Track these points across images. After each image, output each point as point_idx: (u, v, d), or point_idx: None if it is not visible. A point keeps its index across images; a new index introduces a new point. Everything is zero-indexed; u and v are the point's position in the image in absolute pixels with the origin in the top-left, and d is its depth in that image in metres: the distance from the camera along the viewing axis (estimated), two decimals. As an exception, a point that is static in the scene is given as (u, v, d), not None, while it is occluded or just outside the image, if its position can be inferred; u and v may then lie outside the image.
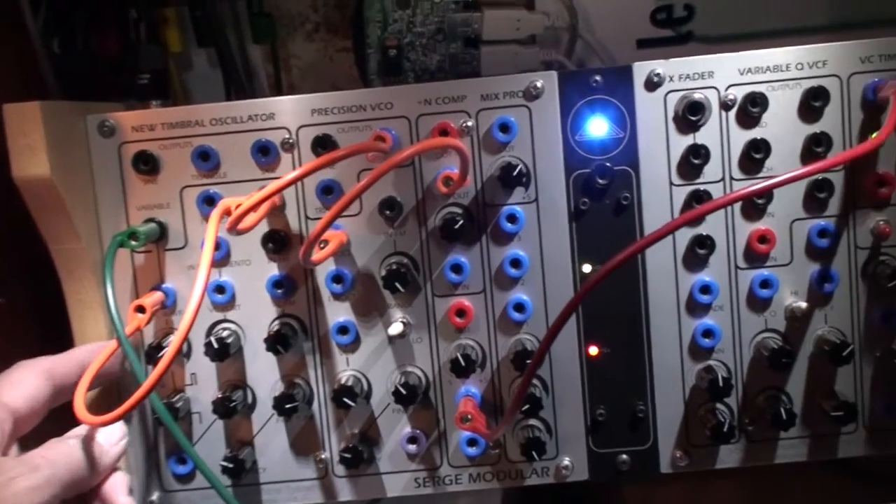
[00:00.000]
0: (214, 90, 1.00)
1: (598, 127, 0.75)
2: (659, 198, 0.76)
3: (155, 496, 0.80)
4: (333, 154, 0.67)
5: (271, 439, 0.79)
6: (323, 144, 0.75)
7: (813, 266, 0.76)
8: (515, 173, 0.73)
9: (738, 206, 0.76)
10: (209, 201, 0.76)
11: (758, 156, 0.74)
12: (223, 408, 0.75)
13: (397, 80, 0.95)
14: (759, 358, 0.76)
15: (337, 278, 0.76)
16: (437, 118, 0.75)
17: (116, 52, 0.95)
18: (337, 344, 0.78)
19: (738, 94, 0.74)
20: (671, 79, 0.75)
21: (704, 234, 0.75)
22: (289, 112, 0.76)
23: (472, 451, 0.78)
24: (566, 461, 0.79)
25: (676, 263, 0.77)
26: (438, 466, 0.80)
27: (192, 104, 0.79)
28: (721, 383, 0.74)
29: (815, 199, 0.75)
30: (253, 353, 0.78)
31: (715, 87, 0.74)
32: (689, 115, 0.74)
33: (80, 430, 0.67)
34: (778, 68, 0.74)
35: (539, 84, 0.75)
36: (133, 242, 0.73)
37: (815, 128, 0.74)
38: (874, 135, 0.71)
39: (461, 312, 0.77)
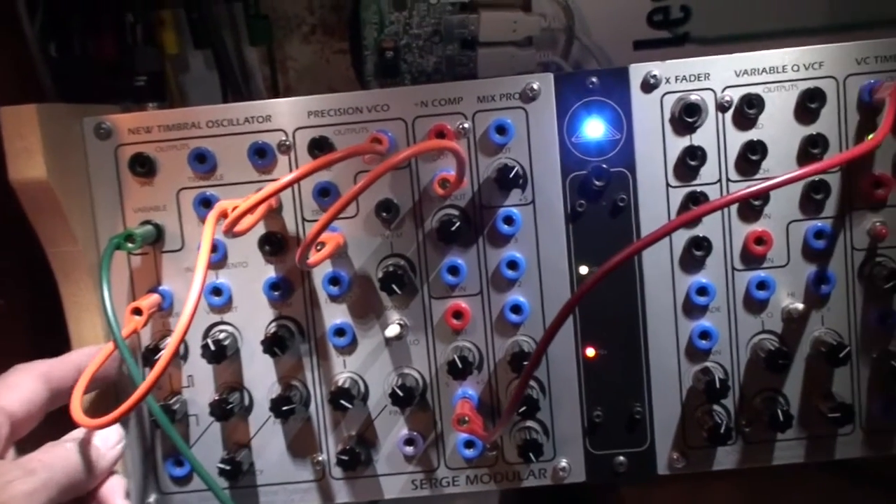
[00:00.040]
0: (211, 92, 1.00)
1: (594, 129, 0.75)
2: (655, 199, 0.76)
3: (152, 498, 0.80)
4: (330, 156, 0.67)
5: (268, 441, 0.79)
6: (319, 146, 0.75)
7: (809, 267, 0.76)
8: (512, 175, 0.73)
9: (734, 207, 0.76)
10: (206, 203, 0.76)
11: (754, 157, 0.74)
12: (220, 410, 0.75)
13: (394, 81, 0.95)
14: (756, 359, 0.76)
15: (334, 280, 0.76)
16: (433, 120, 0.75)
17: (113, 55, 0.95)
18: (334, 346, 0.78)
19: (735, 95, 0.74)
20: (667, 80, 0.75)
21: (701, 235, 0.75)
22: (285, 114, 0.76)
23: (469, 452, 0.78)
24: (563, 463, 0.79)
25: (673, 265, 0.77)
26: (436, 468, 0.80)
27: (188, 106, 0.79)
28: (718, 385, 0.74)
29: (811, 200, 0.75)
30: (250, 355, 0.78)
31: (711, 89, 0.74)
32: (686, 117, 0.74)
33: (77, 434, 0.67)
34: (774, 70, 0.74)
35: (535, 86, 0.75)
36: (130, 245, 0.73)
37: (812, 129, 0.74)
38: (870, 136, 0.71)
39: (458, 314, 0.77)
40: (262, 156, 0.76)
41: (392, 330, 0.76)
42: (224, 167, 0.76)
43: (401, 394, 0.75)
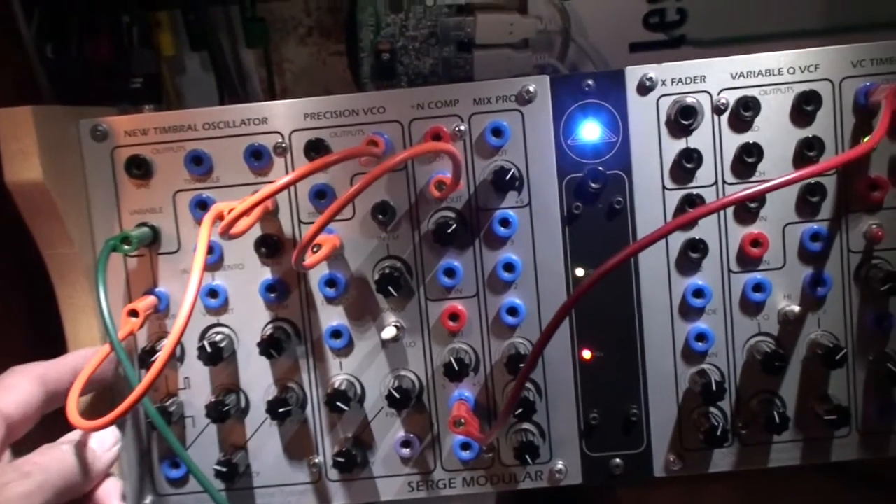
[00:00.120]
0: (207, 94, 1.00)
1: (590, 131, 0.76)
2: (651, 202, 0.76)
3: (148, 500, 0.80)
4: (326, 158, 0.67)
5: (265, 443, 0.79)
6: (316, 149, 0.75)
7: (806, 270, 0.76)
8: (508, 177, 0.73)
9: (730, 209, 0.76)
10: (202, 205, 0.76)
11: (750, 160, 0.74)
12: (216, 412, 0.75)
13: (390, 84, 0.95)
14: (753, 362, 0.76)
15: (330, 282, 0.76)
16: (429, 122, 0.75)
17: (109, 57, 0.95)
18: (330, 348, 0.78)
19: (731, 98, 0.74)
20: (663, 83, 0.75)
21: (697, 237, 0.75)
22: (282, 116, 0.76)
23: (465, 454, 0.78)
24: (560, 465, 0.79)
25: (669, 267, 0.77)
26: (432, 470, 0.80)
27: (185, 108, 0.79)
28: (714, 387, 0.74)
29: (807, 202, 0.75)
30: (246, 357, 0.78)
31: (707, 92, 0.75)
32: (682, 119, 0.74)
33: (73, 436, 0.66)
34: (770, 72, 0.74)
35: (532, 88, 0.75)
36: (126, 247, 0.73)
37: (808, 132, 0.74)
38: (866, 139, 0.72)
39: (454, 316, 0.77)
40: (258, 158, 0.76)
41: (388, 332, 0.76)
42: (220, 169, 0.76)
43: (397, 396, 0.75)
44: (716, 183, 0.75)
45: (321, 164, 0.67)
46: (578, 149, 0.76)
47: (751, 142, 0.74)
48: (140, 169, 0.76)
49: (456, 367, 0.74)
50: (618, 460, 0.79)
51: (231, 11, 1.00)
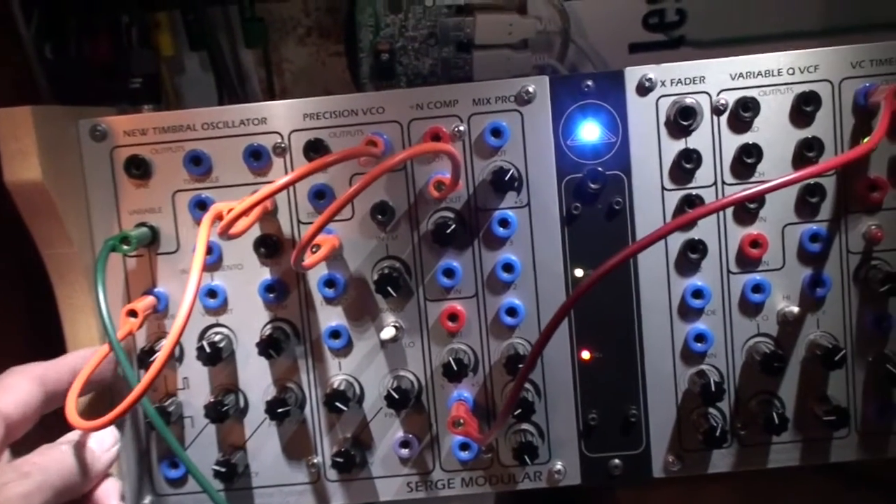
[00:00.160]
0: (207, 94, 1.00)
1: (590, 132, 0.76)
2: (651, 202, 0.76)
3: (147, 500, 0.80)
4: (325, 158, 0.67)
5: (263, 443, 0.79)
6: (315, 149, 0.75)
7: (805, 271, 0.76)
8: (507, 178, 0.73)
9: (730, 210, 0.76)
10: (201, 206, 0.76)
11: (750, 160, 0.74)
12: (215, 412, 0.75)
13: (390, 84, 0.95)
14: (752, 362, 0.76)
15: (329, 283, 0.76)
16: (429, 123, 0.75)
17: (109, 57, 0.95)
18: (329, 348, 0.78)
19: (730, 98, 0.74)
20: (663, 83, 0.75)
21: (696, 238, 0.75)
22: (281, 116, 0.76)
23: (464, 455, 0.78)
24: (559, 465, 0.79)
25: (668, 268, 0.77)
26: (431, 471, 0.80)
27: (184, 108, 0.79)
28: (713, 388, 0.74)
29: (806, 203, 0.75)
30: (245, 357, 0.78)
31: (707, 92, 0.75)
32: (681, 120, 0.74)
33: (73, 436, 0.66)
34: (769, 73, 0.74)
35: (531, 89, 0.75)
36: (125, 247, 0.73)
37: (807, 132, 0.74)
38: (866, 139, 0.72)
39: (453, 317, 0.77)
40: (257, 158, 0.75)
41: (387, 332, 0.76)
42: (219, 169, 0.76)
43: (396, 396, 0.75)
44: (715, 184, 0.75)
45: (320, 164, 0.67)
46: (578, 149, 0.76)
47: (750, 142, 0.74)
48: (139, 169, 0.76)
49: (455, 368, 0.74)
50: (617, 461, 0.79)
51: (230, 12, 1.00)
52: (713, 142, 0.75)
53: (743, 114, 0.74)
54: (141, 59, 0.95)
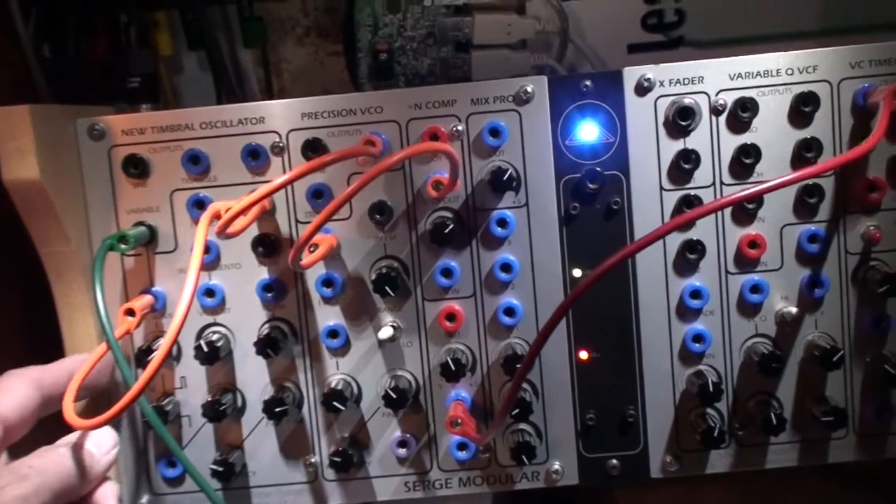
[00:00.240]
0: (205, 94, 1.00)
1: (588, 132, 0.75)
2: (649, 203, 0.76)
3: (144, 499, 0.80)
4: (323, 158, 0.67)
5: (261, 443, 0.79)
6: (313, 148, 0.75)
7: (803, 271, 0.76)
8: (506, 178, 0.73)
9: (728, 210, 0.76)
10: (199, 205, 0.76)
11: (748, 161, 0.74)
12: (213, 411, 0.75)
13: (388, 84, 0.95)
14: (750, 363, 0.76)
15: (327, 282, 0.76)
16: (427, 122, 0.75)
17: (107, 56, 0.95)
18: (327, 348, 0.78)
19: (729, 99, 0.74)
20: (661, 84, 0.75)
21: (695, 238, 0.75)
22: (279, 116, 0.76)
23: (462, 455, 0.78)
24: (556, 465, 0.79)
25: (667, 268, 0.77)
26: (428, 470, 0.80)
27: (182, 108, 0.79)
28: (711, 388, 0.74)
29: (805, 204, 0.75)
30: (243, 356, 0.78)
31: (705, 92, 0.75)
32: (680, 120, 0.74)
33: (71, 438, 0.66)
34: (768, 73, 0.74)
35: (529, 89, 0.75)
36: (123, 246, 0.73)
37: (806, 133, 0.74)
38: (864, 140, 0.72)
39: (451, 316, 0.77)
40: (255, 157, 0.75)
41: (385, 332, 0.76)
42: (217, 168, 0.76)
43: (394, 396, 0.75)
44: (713, 184, 0.75)
45: (318, 163, 0.67)
46: (576, 149, 0.76)
47: (749, 143, 0.74)
48: (137, 168, 0.76)
49: (453, 368, 0.74)
50: (614, 461, 0.79)
51: (228, 11, 1.00)
52: (712, 142, 0.75)
53: (741, 114, 0.74)
54: (139, 59, 0.95)
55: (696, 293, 0.76)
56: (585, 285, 0.62)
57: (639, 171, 0.76)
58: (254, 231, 0.76)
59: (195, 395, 0.78)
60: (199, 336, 0.78)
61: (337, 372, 0.78)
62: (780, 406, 0.77)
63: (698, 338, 0.76)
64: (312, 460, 0.79)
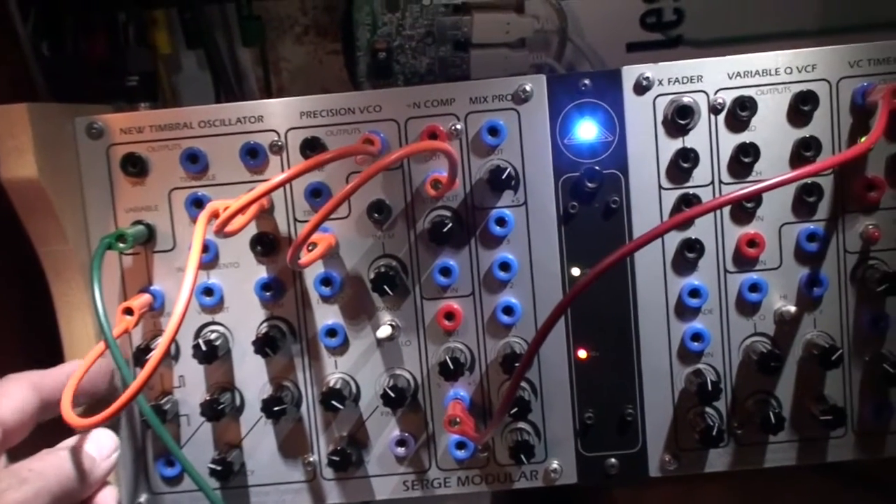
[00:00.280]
0: (203, 92, 1.00)
1: (587, 130, 0.75)
2: (648, 201, 0.76)
3: (143, 498, 0.80)
4: (322, 156, 0.67)
5: (259, 442, 0.79)
6: (312, 147, 0.75)
7: (802, 270, 0.76)
8: (504, 177, 0.73)
9: (727, 209, 0.76)
10: (197, 203, 0.76)
11: (747, 160, 0.74)
12: (211, 410, 0.75)
13: (387, 82, 0.95)
14: (749, 362, 0.76)
15: (325, 281, 0.76)
16: (425, 121, 0.75)
17: (105, 55, 0.95)
18: (325, 346, 0.78)
19: (728, 97, 0.74)
20: (660, 82, 0.75)
21: (693, 237, 0.75)
22: (277, 114, 0.76)
23: (460, 454, 0.78)
24: (555, 464, 0.79)
25: (665, 267, 0.77)
26: (427, 469, 0.79)
27: (180, 106, 0.79)
28: (710, 387, 0.74)
29: (804, 203, 0.75)
30: (241, 355, 0.78)
31: (704, 91, 0.74)
32: (678, 119, 0.74)
33: (72, 441, 0.66)
34: (767, 72, 0.74)
35: (528, 87, 0.75)
36: (121, 244, 0.73)
37: (805, 132, 0.74)
38: (863, 139, 0.72)
39: (450, 315, 0.77)
40: (253, 156, 0.75)
41: (384, 331, 0.75)
42: (216, 167, 0.76)
43: (392, 395, 0.75)
44: (712, 183, 0.75)
45: (316, 162, 0.67)
46: (575, 148, 0.76)
47: (747, 142, 0.74)
48: (135, 167, 0.76)
49: (451, 367, 0.74)
50: (613, 460, 0.79)
51: (227, 10, 1.00)
52: (710, 141, 0.75)
53: (740, 113, 0.74)
54: (138, 57, 0.95)
55: (694, 292, 0.76)
56: (584, 284, 0.62)
57: (637, 169, 0.75)
58: (252, 230, 0.76)
59: (193, 394, 0.78)
60: (197, 335, 0.78)
61: (335, 371, 0.78)
62: (778, 405, 0.77)
63: (697, 337, 0.76)
64: (311, 459, 0.79)
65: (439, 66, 0.95)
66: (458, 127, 0.75)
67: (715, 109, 0.74)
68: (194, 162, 0.76)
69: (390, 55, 0.94)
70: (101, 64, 0.94)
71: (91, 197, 0.77)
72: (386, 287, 0.73)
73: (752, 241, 0.75)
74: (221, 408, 0.75)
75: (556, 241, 0.76)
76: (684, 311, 0.77)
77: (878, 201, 0.75)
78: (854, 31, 0.96)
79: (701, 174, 0.75)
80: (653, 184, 0.76)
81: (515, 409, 0.75)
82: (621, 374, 0.78)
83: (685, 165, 0.74)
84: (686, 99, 0.74)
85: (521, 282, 0.77)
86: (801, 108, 0.73)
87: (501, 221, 0.75)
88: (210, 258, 0.77)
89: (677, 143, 0.75)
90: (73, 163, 0.76)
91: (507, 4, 0.94)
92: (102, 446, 0.68)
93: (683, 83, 0.75)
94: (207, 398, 0.76)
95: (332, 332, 0.77)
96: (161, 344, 0.63)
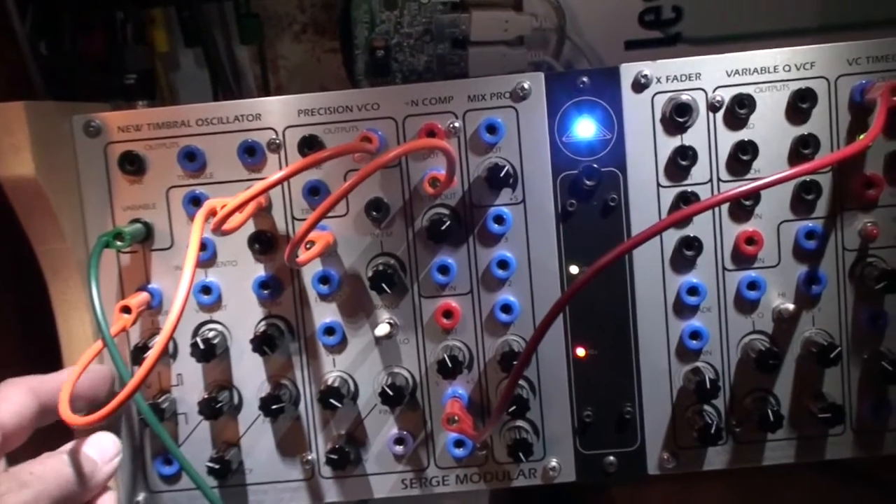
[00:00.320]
0: (202, 90, 1.00)
1: (585, 128, 0.75)
2: (646, 199, 0.76)
3: (141, 497, 0.79)
4: (320, 154, 0.67)
5: (257, 440, 0.79)
6: (309, 145, 0.75)
7: (800, 268, 0.76)
8: (502, 174, 0.73)
9: (725, 207, 0.76)
10: (195, 202, 0.76)
11: (745, 157, 0.74)
12: (209, 409, 0.75)
13: (385, 80, 0.95)
14: (747, 360, 0.76)
15: (323, 279, 0.76)
16: (423, 119, 0.75)
17: (103, 53, 0.95)
18: (323, 345, 0.78)
19: (726, 95, 0.74)
20: (658, 80, 0.75)
21: (692, 235, 0.75)
22: (275, 112, 0.76)
23: (459, 452, 0.78)
24: (553, 462, 0.79)
25: (664, 265, 0.77)
26: (425, 467, 0.79)
27: (178, 104, 0.79)
28: (708, 385, 0.74)
29: (802, 200, 0.75)
30: (239, 353, 0.78)
31: (702, 89, 0.74)
32: (677, 117, 0.74)
33: (73, 445, 0.66)
34: (765, 70, 0.74)
35: (526, 85, 0.75)
36: (119, 243, 0.73)
37: (803, 129, 0.74)
38: (861, 136, 0.71)
39: (448, 313, 0.77)
40: (251, 154, 0.75)
41: (382, 329, 0.75)
42: (214, 165, 0.76)
43: (390, 393, 0.75)
44: (710, 180, 0.75)
45: (314, 160, 0.67)
46: (573, 146, 0.76)
47: (746, 139, 0.74)
48: (133, 165, 0.76)
49: (450, 365, 0.74)
50: (611, 458, 0.79)
51: (225, 8, 1.01)
52: (709, 139, 0.75)
53: (739, 110, 0.73)
54: (135, 56, 0.95)
55: (693, 290, 0.76)
56: (582, 282, 0.62)
57: (636, 167, 0.75)
58: (250, 228, 0.76)
59: (191, 392, 0.78)
60: (195, 333, 0.78)
61: (333, 369, 0.78)
62: (777, 403, 0.77)
63: (695, 334, 0.76)
64: (309, 457, 0.79)
65: (437, 64, 0.95)
66: (457, 125, 0.75)
67: (713, 107, 0.74)
68: (192, 160, 0.75)
69: (388, 53, 0.94)
70: (98, 62, 0.94)
71: (89, 195, 0.77)
72: (384, 285, 0.73)
73: (751, 239, 0.75)
74: (219, 406, 0.75)
75: (555, 238, 0.76)
76: (683, 309, 0.77)
77: (877, 199, 0.75)
78: (852, 29, 0.96)
79: (699, 172, 0.75)
80: (651, 181, 0.76)
81: (514, 408, 0.74)
82: (620, 373, 0.78)
83: (683, 163, 0.74)
84: (684, 97, 0.74)
85: (519, 280, 0.77)
86: (799, 105, 0.73)
87: (500, 219, 0.75)
88: (208, 256, 0.77)
89: (676, 141, 0.75)
90: (70, 161, 0.76)
91: (506, 2, 0.94)
92: (104, 450, 0.67)
93: (682, 81, 0.75)
94: (205, 396, 0.76)
95: (330, 330, 0.77)
96: (159, 342, 0.63)
